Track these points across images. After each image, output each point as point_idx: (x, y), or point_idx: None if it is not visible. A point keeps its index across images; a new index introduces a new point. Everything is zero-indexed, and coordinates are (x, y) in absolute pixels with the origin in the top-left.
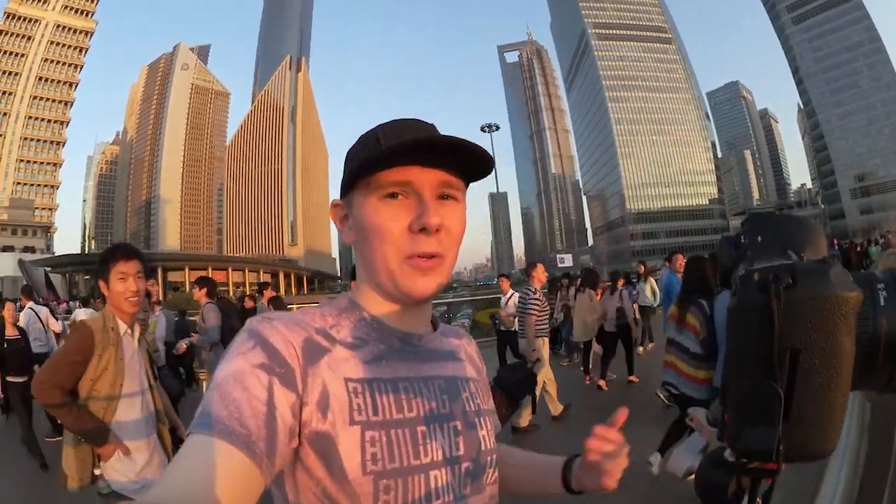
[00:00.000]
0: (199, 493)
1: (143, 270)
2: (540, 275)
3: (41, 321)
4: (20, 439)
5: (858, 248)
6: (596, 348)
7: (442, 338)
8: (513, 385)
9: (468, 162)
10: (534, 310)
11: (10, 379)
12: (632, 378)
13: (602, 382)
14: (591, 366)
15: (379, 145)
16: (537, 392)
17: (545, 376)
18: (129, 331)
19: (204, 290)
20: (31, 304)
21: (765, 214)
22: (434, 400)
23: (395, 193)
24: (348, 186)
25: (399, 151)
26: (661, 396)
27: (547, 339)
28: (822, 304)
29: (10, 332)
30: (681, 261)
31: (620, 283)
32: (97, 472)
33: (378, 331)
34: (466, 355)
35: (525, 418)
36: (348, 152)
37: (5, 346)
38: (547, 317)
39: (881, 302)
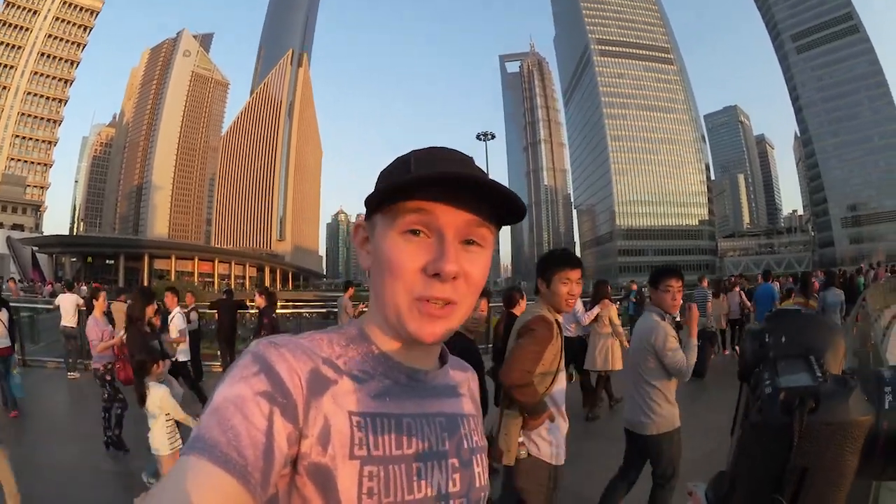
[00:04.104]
0: None
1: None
2: (705, 282)
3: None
4: None
5: (849, 280)
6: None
7: (448, 371)
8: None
9: (498, 204)
10: (711, 301)
11: None
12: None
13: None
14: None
15: (409, 171)
16: None
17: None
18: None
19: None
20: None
21: (790, 313)
22: (434, 437)
23: (416, 230)
24: (373, 209)
25: (426, 183)
26: None
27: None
28: (839, 428)
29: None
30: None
31: (736, 288)
32: (520, 438)
33: (385, 365)
34: (468, 390)
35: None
36: (380, 173)
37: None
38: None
39: (885, 405)
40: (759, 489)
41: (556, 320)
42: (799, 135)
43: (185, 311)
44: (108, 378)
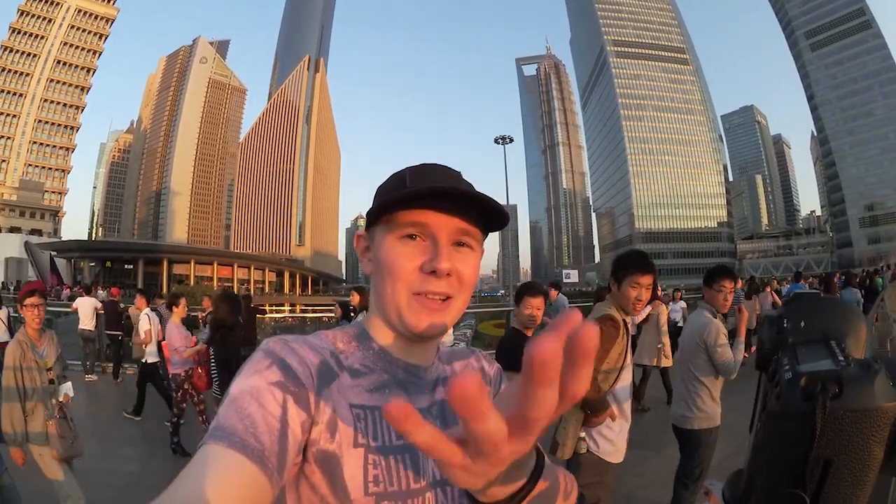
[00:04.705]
0: (212, 501)
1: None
2: (739, 283)
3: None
4: None
5: (868, 280)
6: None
7: (442, 365)
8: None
9: (486, 213)
10: (743, 302)
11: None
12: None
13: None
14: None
15: (405, 187)
16: None
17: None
18: (625, 318)
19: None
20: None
21: (808, 297)
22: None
23: (413, 235)
24: (372, 221)
25: (420, 196)
26: None
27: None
28: (864, 416)
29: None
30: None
31: (768, 288)
32: (581, 434)
33: (385, 360)
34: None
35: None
36: (377, 188)
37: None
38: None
39: None
40: (777, 483)
41: (624, 320)
42: (815, 134)
43: (150, 311)
44: (187, 386)
